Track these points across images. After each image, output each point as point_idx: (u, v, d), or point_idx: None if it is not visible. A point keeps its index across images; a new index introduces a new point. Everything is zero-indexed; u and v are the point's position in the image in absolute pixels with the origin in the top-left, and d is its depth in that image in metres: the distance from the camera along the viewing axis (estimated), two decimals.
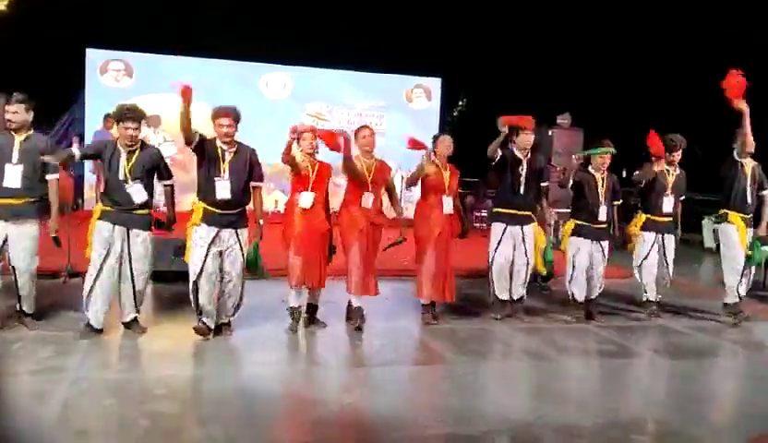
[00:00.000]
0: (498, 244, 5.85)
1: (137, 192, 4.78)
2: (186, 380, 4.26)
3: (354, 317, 5.42)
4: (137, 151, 4.80)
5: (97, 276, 4.75)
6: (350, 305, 5.51)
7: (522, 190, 5.80)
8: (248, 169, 4.94)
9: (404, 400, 4.23)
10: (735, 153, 6.17)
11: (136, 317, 5.01)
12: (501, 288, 5.93)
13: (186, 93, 4.57)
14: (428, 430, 3.66)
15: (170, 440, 3.38)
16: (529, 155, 5.85)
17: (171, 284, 6.22)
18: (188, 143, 4.79)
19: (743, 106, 5.75)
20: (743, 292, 6.27)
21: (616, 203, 6.08)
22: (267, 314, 5.50)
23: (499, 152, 5.69)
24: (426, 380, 4.64)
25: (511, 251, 5.84)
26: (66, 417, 3.55)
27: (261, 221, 5.08)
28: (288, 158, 5.11)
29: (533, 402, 4.19)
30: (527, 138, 5.78)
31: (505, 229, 5.83)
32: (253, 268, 5.04)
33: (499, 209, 5.94)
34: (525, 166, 5.80)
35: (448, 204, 5.65)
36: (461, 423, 3.77)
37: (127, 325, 4.98)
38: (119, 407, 3.68)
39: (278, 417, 3.90)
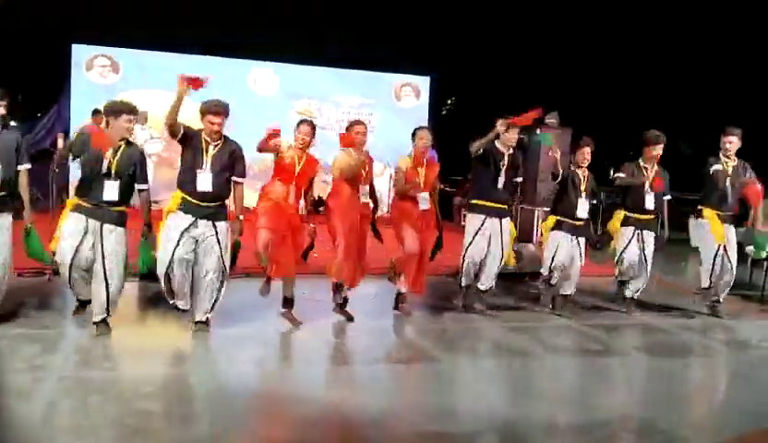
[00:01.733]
0: (475, 235, 5.86)
1: (111, 188, 4.65)
2: (171, 378, 4.23)
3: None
4: (122, 148, 4.72)
5: (70, 266, 4.64)
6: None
7: (500, 184, 5.84)
8: (231, 163, 4.91)
9: (390, 398, 4.23)
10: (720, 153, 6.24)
11: (105, 318, 4.74)
12: (468, 278, 5.98)
13: (196, 85, 4.57)
14: (414, 428, 3.66)
15: (155, 438, 3.37)
16: (511, 150, 5.88)
17: (154, 282, 6.16)
18: (173, 136, 4.78)
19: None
20: (707, 282, 6.33)
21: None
22: (251, 311, 5.47)
23: (482, 150, 5.75)
24: (412, 378, 4.64)
25: (486, 244, 5.86)
26: (50, 416, 3.52)
27: (241, 218, 5.03)
28: (268, 146, 5.11)
29: (518, 400, 4.20)
30: (513, 136, 5.80)
31: (484, 220, 5.85)
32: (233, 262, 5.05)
33: (478, 201, 5.94)
34: (507, 161, 5.84)
35: (423, 200, 5.69)
36: (447, 421, 3.78)
37: (96, 324, 4.73)
38: (104, 405, 3.66)
39: (263, 415, 3.89)
